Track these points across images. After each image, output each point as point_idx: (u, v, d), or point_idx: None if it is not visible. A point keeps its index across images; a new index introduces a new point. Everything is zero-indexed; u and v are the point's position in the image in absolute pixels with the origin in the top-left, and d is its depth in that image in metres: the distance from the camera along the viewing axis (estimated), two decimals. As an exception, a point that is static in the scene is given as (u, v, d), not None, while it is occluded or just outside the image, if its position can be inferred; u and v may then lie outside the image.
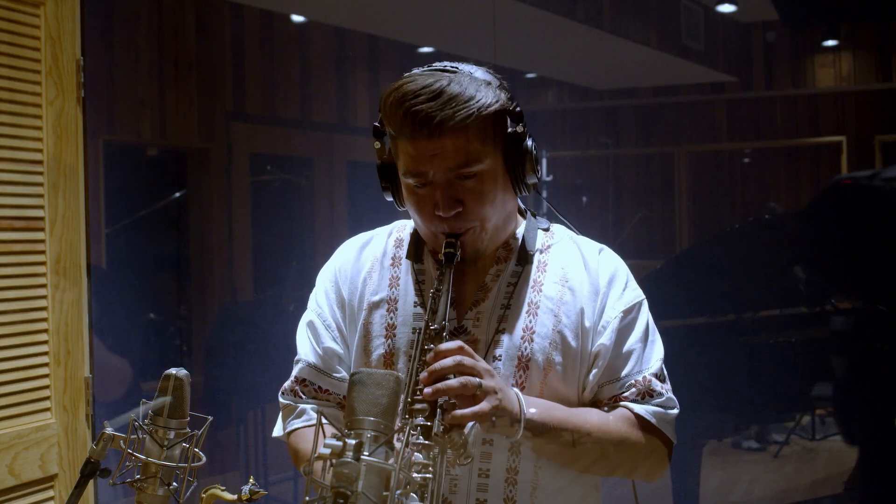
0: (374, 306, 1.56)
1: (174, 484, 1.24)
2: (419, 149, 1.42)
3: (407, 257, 1.57)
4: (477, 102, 1.41)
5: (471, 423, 1.42)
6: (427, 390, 1.33)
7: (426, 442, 1.30)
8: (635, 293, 1.56)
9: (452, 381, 1.33)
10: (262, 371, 4.14)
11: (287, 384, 1.61)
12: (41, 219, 2.27)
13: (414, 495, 1.26)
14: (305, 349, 1.61)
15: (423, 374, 1.35)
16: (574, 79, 7.74)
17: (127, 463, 1.24)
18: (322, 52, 5.86)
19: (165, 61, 4.89)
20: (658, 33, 6.43)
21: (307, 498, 1.11)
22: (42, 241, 2.27)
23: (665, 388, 1.54)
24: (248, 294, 5.35)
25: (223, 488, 1.28)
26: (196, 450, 1.25)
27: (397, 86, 1.43)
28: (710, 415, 3.98)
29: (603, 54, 6.50)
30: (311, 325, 1.61)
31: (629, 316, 1.53)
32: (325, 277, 1.63)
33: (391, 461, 1.11)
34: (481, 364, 1.38)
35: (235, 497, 1.27)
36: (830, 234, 4.19)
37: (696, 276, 4.31)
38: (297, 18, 5.68)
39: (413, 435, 1.31)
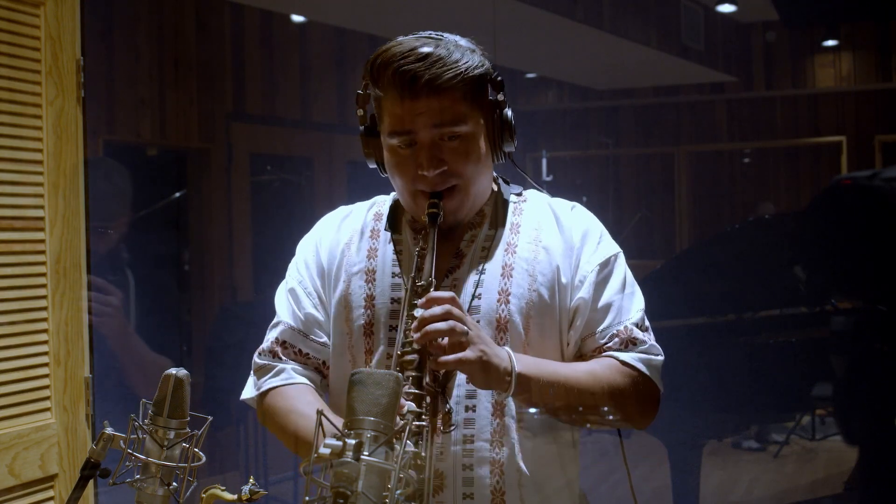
0: (353, 277, 1.58)
1: (174, 484, 1.24)
2: (405, 108, 1.45)
3: (385, 229, 1.59)
4: (464, 64, 1.45)
5: (455, 395, 1.46)
6: (415, 335, 1.35)
7: (418, 391, 1.32)
8: (610, 246, 1.58)
9: (440, 324, 1.35)
10: (262, 371, 4.13)
11: (265, 345, 1.62)
12: (41, 219, 2.27)
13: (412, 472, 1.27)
14: (285, 313, 1.62)
15: (414, 324, 1.37)
16: (574, 79, 7.74)
17: (127, 463, 1.24)
18: (322, 52, 5.85)
19: (165, 61, 4.89)
20: (658, 33, 6.43)
21: (307, 498, 1.11)
22: (42, 241, 2.27)
23: (648, 337, 1.56)
24: (248, 294, 5.35)
25: (223, 488, 1.28)
26: (196, 450, 1.25)
27: (384, 49, 1.47)
28: (710, 415, 3.97)
29: (603, 54, 6.50)
30: (292, 291, 1.63)
31: (606, 269, 1.55)
32: (306, 247, 1.67)
33: (393, 457, 1.11)
34: (470, 319, 1.41)
35: (235, 497, 1.27)
36: (830, 234, 4.18)
37: (696, 276, 4.31)
38: (297, 18, 5.67)
39: (405, 384, 1.32)
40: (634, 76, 7.40)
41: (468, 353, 1.37)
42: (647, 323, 1.57)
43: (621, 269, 1.57)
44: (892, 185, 4.23)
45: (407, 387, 1.32)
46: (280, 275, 1.70)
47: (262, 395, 1.59)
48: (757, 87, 7.39)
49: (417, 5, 5.31)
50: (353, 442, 1.06)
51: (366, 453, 1.07)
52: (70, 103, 2.34)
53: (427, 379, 1.35)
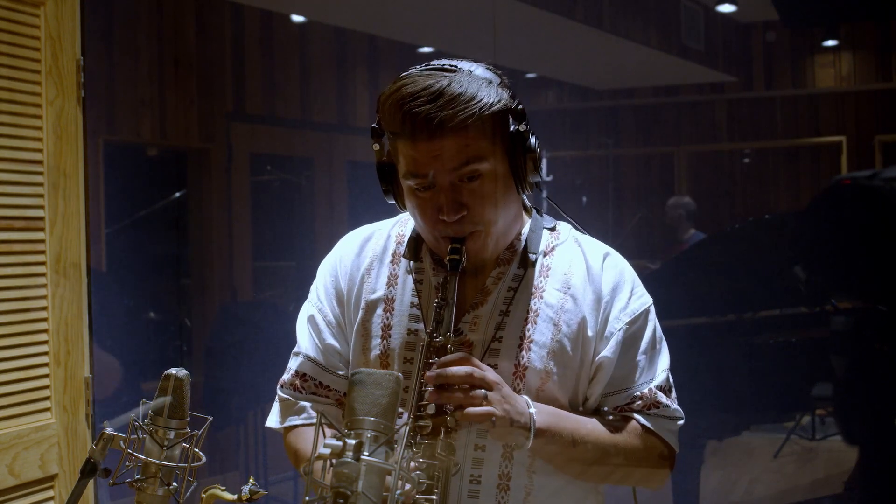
0: (372, 305, 1.53)
1: (174, 484, 1.24)
2: (420, 151, 1.39)
3: (404, 256, 1.54)
4: (478, 102, 1.37)
5: (465, 434, 1.42)
6: (430, 391, 1.33)
7: (430, 461, 1.30)
8: (641, 301, 1.52)
9: (459, 395, 1.33)
10: (262, 371, 4.13)
11: (286, 377, 1.59)
12: (41, 219, 2.27)
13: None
14: (306, 343, 1.58)
15: (430, 374, 1.34)
16: (574, 79, 7.74)
17: (127, 463, 1.24)
18: (322, 52, 5.86)
19: (165, 61, 4.89)
20: (658, 33, 6.43)
21: (307, 498, 1.11)
22: (42, 241, 2.27)
23: (670, 400, 1.52)
24: (248, 294, 5.35)
25: (223, 488, 1.28)
26: (196, 450, 1.25)
27: (396, 87, 1.39)
28: (710, 415, 3.97)
29: (603, 54, 6.50)
30: (311, 319, 1.59)
31: (634, 326, 1.50)
32: (326, 270, 1.61)
33: (391, 460, 1.11)
34: (490, 375, 1.37)
35: (235, 497, 1.27)
36: (830, 234, 4.18)
37: (696, 276, 4.31)
38: (297, 18, 5.68)
39: (416, 453, 1.31)
40: (634, 76, 7.40)
41: (493, 409, 1.34)
42: (671, 382, 1.53)
43: (651, 324, 1.52)
44: (892, 185, 4.23)
45: (419, 455, 1.30)
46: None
47: (286, 430, 1.57)
48: (757, 87, 7.39)
49: (417, 5, 5.31)
50: (353, 442, 1.06)
51: (366, 453, 1.07)
52: (70, 103, 2.34)
53: (439, 449, 1.32)
